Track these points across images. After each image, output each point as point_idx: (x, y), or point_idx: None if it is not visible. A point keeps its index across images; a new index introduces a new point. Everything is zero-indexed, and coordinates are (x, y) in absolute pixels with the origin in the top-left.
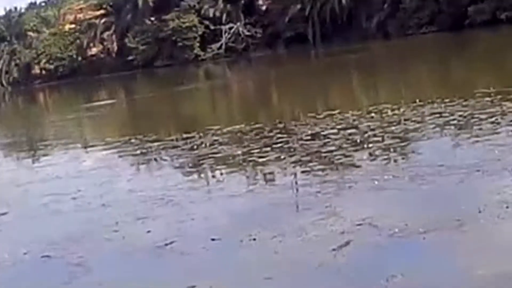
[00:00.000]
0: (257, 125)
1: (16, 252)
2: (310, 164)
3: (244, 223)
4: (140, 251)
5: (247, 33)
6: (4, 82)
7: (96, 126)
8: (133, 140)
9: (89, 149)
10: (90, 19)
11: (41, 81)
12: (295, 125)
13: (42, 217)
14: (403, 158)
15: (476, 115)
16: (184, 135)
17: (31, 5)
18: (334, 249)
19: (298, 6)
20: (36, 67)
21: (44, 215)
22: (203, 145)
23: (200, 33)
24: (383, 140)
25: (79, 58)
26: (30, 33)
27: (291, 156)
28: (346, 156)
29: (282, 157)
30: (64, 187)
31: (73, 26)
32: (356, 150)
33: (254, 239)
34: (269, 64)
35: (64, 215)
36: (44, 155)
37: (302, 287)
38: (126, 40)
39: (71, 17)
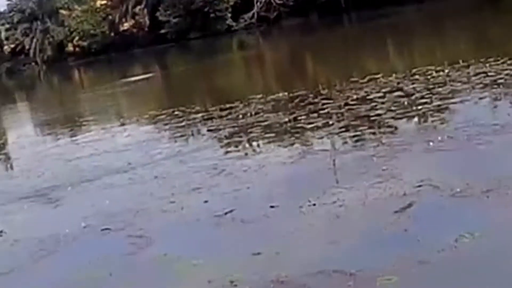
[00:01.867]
0: (300, 92)
1: (75, 227)
2: (360, 128)
3: (300, 189)
4: (200, 221)
5: (279, 1)
6: (38, 61)
7: (136, 100)
8: (176, 112)
9: (133, 123)
10: None
11: (75, 59)
12: (339, 90)
13: (97, 191)
14: (455, 119)
15: None
16: (227, 105)
17: None
18: (397, 211)
19: None
20: (70, 44)
21: (98, 189)
22: (248, 114)
23: (231, 3)
24: (431, 102)
25: (112, 34)
26: (62, 11)
27: (339, 121)
28: (396, 119)
29: (331, 122)
30: (114, 161)
31: (104, 2)
32: (405, 113)
33: (314, 205)
34: (303, 32)
35: (118, 189)
36: (88, 130)
37: (369, 250)
38: (158, 13)
39: None
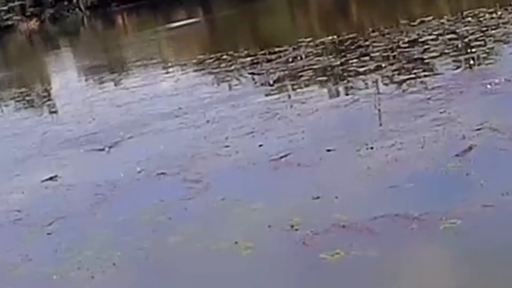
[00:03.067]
0: (350, 35)
1: (130, 171)
2: (414, 71)
3: (356, 133)
4: (256, 165)
5: None
6: (81, 7)
7: (183, 45)
8: (224, 57)
9: (181, 67)
10: None
11: (118, 4)
12: (390, 33)
13: (150, 136)
14: (511, 61)
15: None
16: (276, 49)
17: None
18: (457, 155)
19: None
20: None
21: (151, 133)
22: (298, 58)
23: None
24: (485, 44)
25: None
26: None
27: (392, 64)
28: (451, 62)
29: (383, 65)
30: (164, 106)
31: None
32: (459, 55)
33: (371, 148)
34: None
35: (171, 133)
36: (136, 76)
37: (431, 194)
38: None
39: None
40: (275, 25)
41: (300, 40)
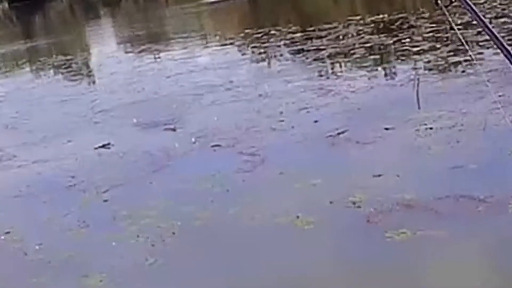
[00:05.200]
0: (400, 15)
1: (185, 142)
2: (469, 53)
3: (413, 112)
4: (312, 140)
5: None
6: None
7: (228, 19)
8: (273, 32)
9: (229, 41)
10: None
11: None
12: (441, 14)
13: (202, 108)
14: None
15: None
16: (325, 26)
17: None
18: None
19: None
20: None
21: (203, 105)
22: (349, 35)
23: None
24: None
25: None
26: None
27: (446, 45)
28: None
29: (437, 46)
30: (214, 78)
31: None
32: None
33: (431, 128)
34: None
35: (224, 106)
36: (183, 47)
37: (497, 176)
38: None
39: None
40: (319, 2)
41: (350, 18)
